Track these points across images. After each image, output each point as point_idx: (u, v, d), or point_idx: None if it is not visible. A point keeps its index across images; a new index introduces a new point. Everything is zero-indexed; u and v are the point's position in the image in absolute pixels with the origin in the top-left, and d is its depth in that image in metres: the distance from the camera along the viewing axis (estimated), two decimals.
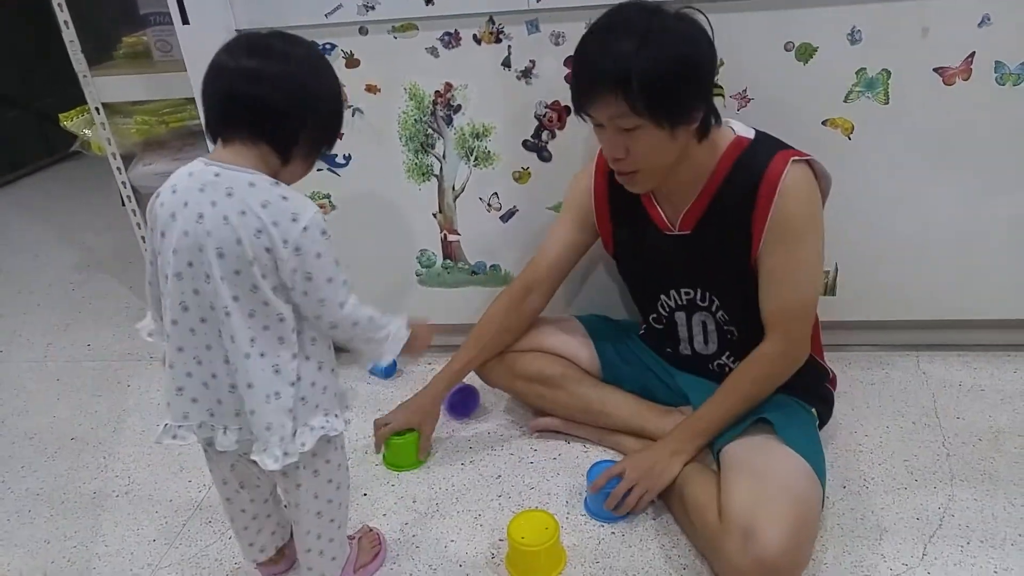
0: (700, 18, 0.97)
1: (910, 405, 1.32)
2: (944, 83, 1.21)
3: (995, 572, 0.99)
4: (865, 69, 1.21)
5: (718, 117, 1.03)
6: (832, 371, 1.20)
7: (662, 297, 1.15)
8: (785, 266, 1.02)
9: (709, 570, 1.03)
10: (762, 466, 1.00)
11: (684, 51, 0.93)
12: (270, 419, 0.83)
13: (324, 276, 0.81)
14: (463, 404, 1.39)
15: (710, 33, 0.97)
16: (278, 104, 0.80)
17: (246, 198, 0.78)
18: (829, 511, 1.10)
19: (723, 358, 1.15)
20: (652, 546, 1.08)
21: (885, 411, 1.31)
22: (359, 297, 0.88)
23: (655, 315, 1.19)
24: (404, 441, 1.25)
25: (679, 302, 1.14)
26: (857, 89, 1.23)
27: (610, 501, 1.09)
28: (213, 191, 0.79)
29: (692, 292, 1.12)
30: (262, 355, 0.82)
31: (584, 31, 1.20)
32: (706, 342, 1.15)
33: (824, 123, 1.26)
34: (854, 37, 1.19)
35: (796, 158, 1.00)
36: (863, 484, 1.15)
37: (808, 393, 1.13)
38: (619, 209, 1.15)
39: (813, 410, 1.13)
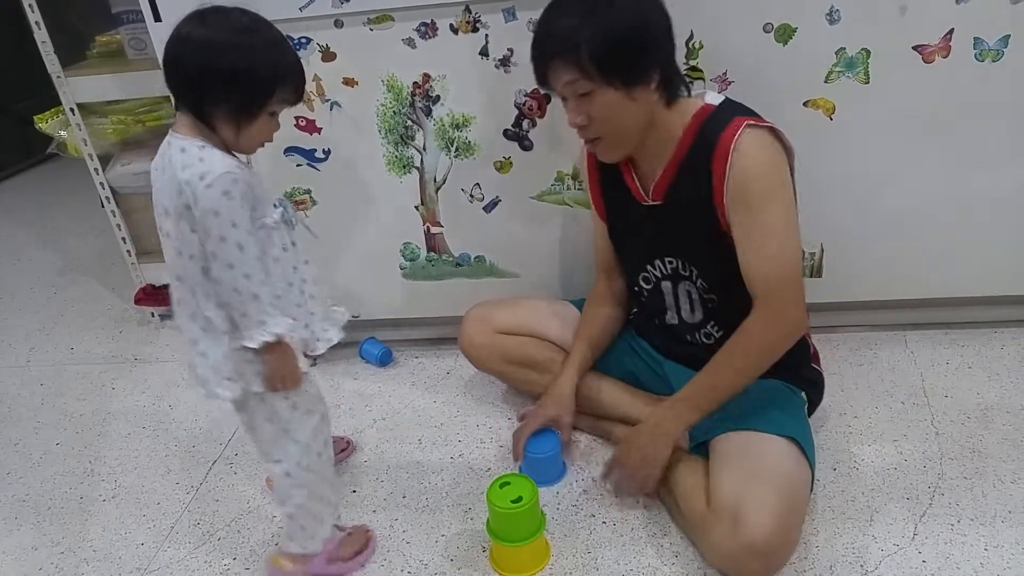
0: None
1: (898, 385, 1.32)
2: (924, 61, 1.20)
3: (985, 549, 1.00)
4: (845, 49, 1.21)
5: (687, 86, 1.03)
6: (813, 346, 1.18)
7: (648, 268, 1.15)
8: (753, 233, 1.00)
9: (699, 557, 1.02)
10: (749, 452, 0.99)
11: (630, 15, 0.95)
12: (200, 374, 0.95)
13: (218, 234, 0.86)
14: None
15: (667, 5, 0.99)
16: (177, 74, 0.87)
17: (175, 163, 0.87)
18: (820, 493, 1.10)
19: (708, 327, 1.14)
20: (642, 535, 1.08)
21: (874, 392, 1.31)
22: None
23: (639, 287, 1.19)
24: (515, 511, 1.01)
25: (664, 271, 1.14)
26: (837, 69, 1.22)
27: (615, 489, 1.12)
28: (162, 160, 0.89)
29: (674, 261, 1.12)
30: (201, 314, 0.92)
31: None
32: (692, 311, 1.15)
33: (806, 104, 1.25)
34: (833, 17, 1.19)
35: (752, 123, 0.98)
36: (853, 466, 1.15)
37: (794, 374, 1.12)
38: (606, 180, 1.15)
39: (802, 394, 1.13)
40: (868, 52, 1.20)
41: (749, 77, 1.24)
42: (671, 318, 1.17)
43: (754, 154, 0.97)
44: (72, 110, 1.58)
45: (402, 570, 1.07)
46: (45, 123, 1.65)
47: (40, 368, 1.70)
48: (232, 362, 0.94)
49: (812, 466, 1.02)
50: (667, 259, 1.12)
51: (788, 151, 1.02)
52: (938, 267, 1.36)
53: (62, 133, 1.63)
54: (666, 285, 1.14)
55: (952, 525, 1.03)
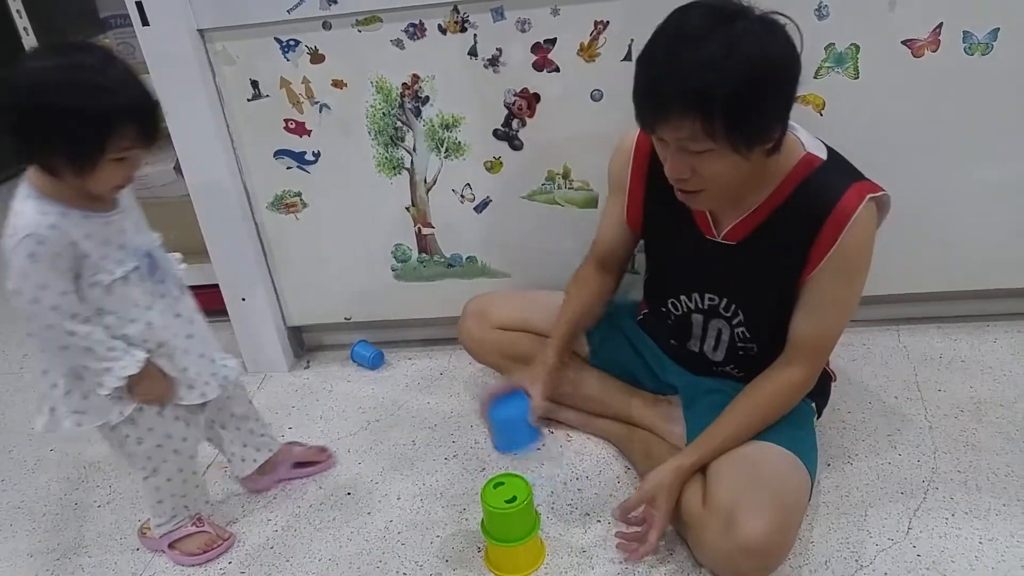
0: (786, 23, 0.85)
1: (892, 379, 1.32)
2: (913, 55, 1.20)
3: (980, 542, 1.00)
4: (834, 44, 1.20)
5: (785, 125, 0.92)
6: (834, 373, 1.18)
7: (682, 296, 1.09)
8: (833, 299, 0.98)
9: (694, 560, 1.02)
10: (748, 457, 0.99)
11: (770, 63, 0.81)
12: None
13: (30, 295, 0.88)
14: None
15: (798, 42, 0.85)
16: (3, 122, 0.82)
17: (8, 212, 0.87)
18: (814, 489, 1.09)
19: (728, 367, 1.12)
20: None
21: (867, 387, 1.31)
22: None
23: (666, 309, 1.14)
24: (509, 511, 1.00)
25: (700, 305, 1.08)
26: (827, 65, 1.22)
27: (629, 547, 1.02)
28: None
29: (716, 299, 1.06)
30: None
31: (551, 18, 1.21)
32: (716, 348, 1.11)
33: (796, 100, 1.25)
34: (822, 12, 1.18)
35: (872, 195, 0.93)
36: (847, 461, 1.15)
37: (811, 391, 1.09)
38: (657, 199, 1.05)
39: (812, 404, 1.12)
40: (857, 47, 1.20)
41: None
42: (693, 346, 1.14)
43: (867, 231, 0.94)
44: None
45: (397, 572, 1.07)
46: None
47: (33, 375, 1.69)
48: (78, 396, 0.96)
49: (812, 472, 1.02)
50: (708, 295, 1.07)
51: (885, 209, 0.99)
52: (930, 261, 1.36)
53: None
54: (697, 318, 1.10)
55: (946, 519, 1.04)
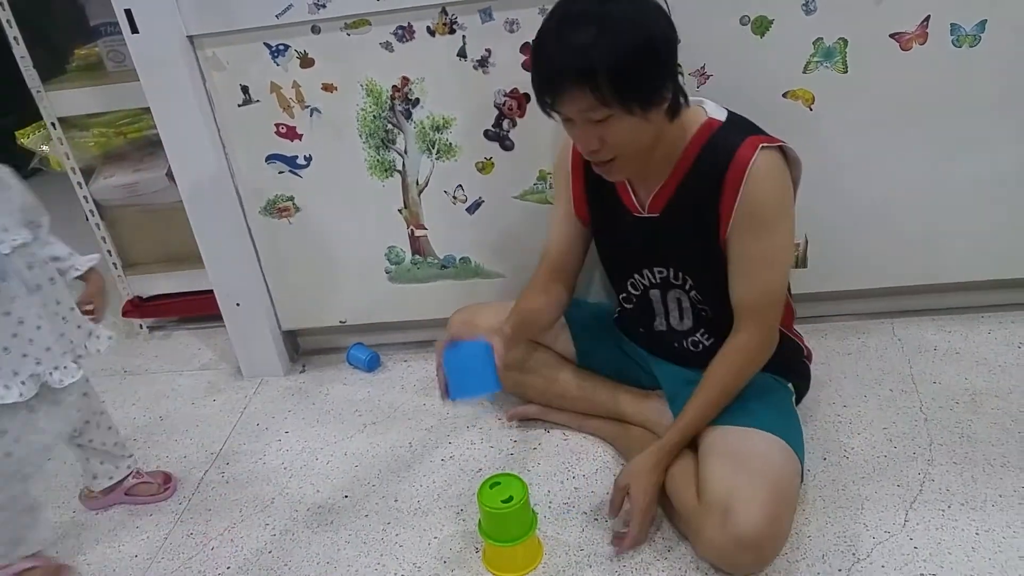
0: None
1: (887, 372, 1.32)
2: (901, 48, 1.20)
3: (976, 533, 1.00)
4: (822, 39, 1.21)
5: (686, 96, 0.99)
6: (808, 348, 1.19)
7: (635, 276, 1.14)
8: (754, 255, 1.00)
9: (692, 552, 1.02)
10: (737, 446, 1.00)
11: (643, 33, 0.90)
12: None
13: None
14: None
15: (666, 8, 0.95)
16: None
17: None
18: (810, 483, 1.10)
19: (697, 335, 1.14)
20: None
21: (863, 380, 1.31)
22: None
23: (626, 294, 1.18)
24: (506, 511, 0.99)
25: (653, 280, 1.13)
26: (815, 60, 1.22)
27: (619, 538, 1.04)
28: None
29: (665, 271, 1.11)
30: None
31: (539, 18, 1.22)
32: (681, 318, 1.14)
33: (785, 95, 1.25)
34: (809, 8, 1.19)
35: (766, 144, 0.97)
36: (843, 455, 1.15)
37: (784, 368, 1.12)
38: (594, 189, 1.12)
39: (790, 384, 1.13)
40: (845, 42, 1.20)
41: (727, 70, 1.24)
42: (659, 324, 1.16)
43: (768, 180, 0.97)
44: (53, 124, 1.57)
45: (395, 573, 1.07)
46: (27, 139, 1.64)
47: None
48: None
49: (801, 458, 1.03)
50: (656, 269, 1.11)
51: (796, 165, 1.02)
52: (922, 254, 1.36)
53: (44, 148, 1.63)
54: (655, 293, 1.14)
55: (943, 511, 1.04)
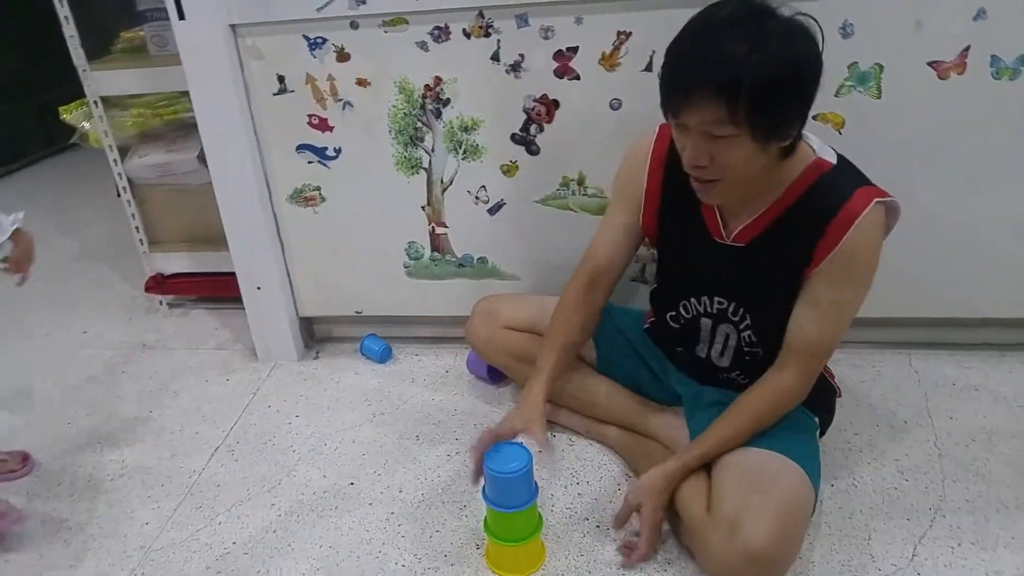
0: (812, 25, 0.87)
1: (902, 404, 1.30)
2: (938, 77, 1.19)
3: (986, 574, 0.98)
4: (857, 63, 1.20)
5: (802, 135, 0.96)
6: (839, 387, 1.17)
7: (691, 299, 1.09)
8: (831, 299, 0.97)
9: (695, 568, 1.02)
10: (754, 467, 0.99)
11: (797, 60, 0.84)
12: None
13: None
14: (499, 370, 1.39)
15: (820, 44, 0.88)
16: None
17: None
18: (817, 508, 1.08)
19: (734, 374, 1.12)
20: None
21: (876, 409, 1.29)
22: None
23: (675, 314, 1.13)
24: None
25: (709, 309, 1.08)
26: (848, 83, 1.22)
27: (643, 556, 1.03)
28: None
29: (725, 303, 1.06)
30: None
31: (575, 27, 1.23)
32: (722, 354, 1.11)
33: (814, 118, 1.25)
34: (846, 31, 1.18)
35: (880, 199, 0.94)
36: (852, 483, 1.14)
37: (814, 403, 1.09)
38: (671, 203, 1.06)
39: (816, 419, 1.11)
40: (881, 67, 1.20)
41: None
42: (701, 351, 1.13)
43: (872, 235, 0.94)
44: (96, 102, 1.62)
45: (396, 563, 1.08)
46: (69, 114, 1.69)
47: (54, 349, 1.74)
48: None
49: (816, 489, 1.01)
50: (717, 299, 1.07)
51: (894, 215, 0.98)
52: (946, 287, 1.34)
53: (85, 124, 1.67)
54: (706, 322, 1.10)
55: (952, 548, 1.02)
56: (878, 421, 1.26)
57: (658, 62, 1.25)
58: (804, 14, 0.88)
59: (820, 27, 0.88)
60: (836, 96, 1.23)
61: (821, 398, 1.11)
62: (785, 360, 1.01)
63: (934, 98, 1.20)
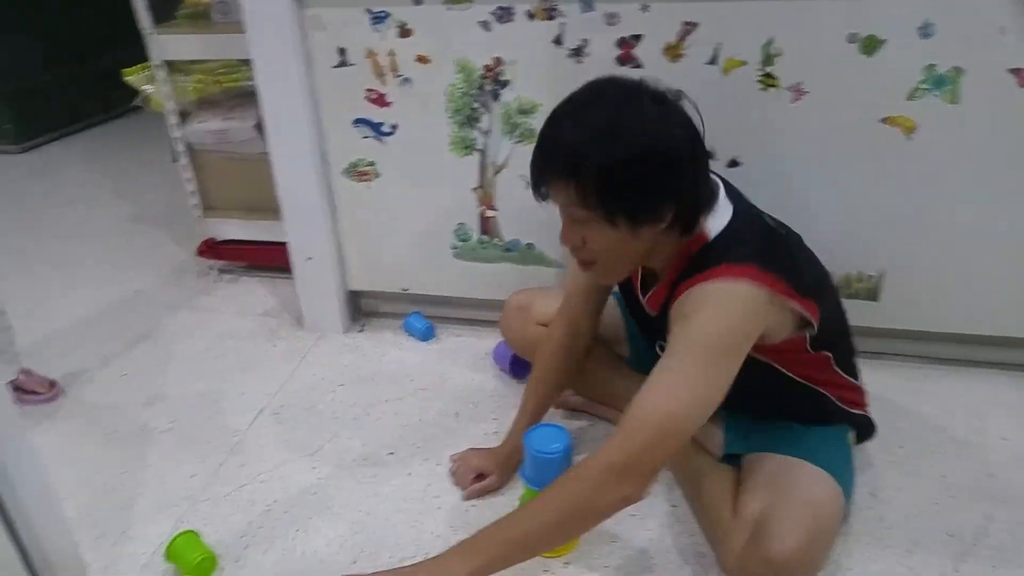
0: (680, 109, 0.86)
1: (952, 421, 1.27)
2: (1019, 85, 1.15)
3: None
4: (935, 66, 1.16)
5: (706, 210, 0.90)
6: (854, 398, 1.08)
7: (660, 343, 1.01)
8: (664, 364, 0.84)
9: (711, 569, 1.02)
10: (784, 473, 0.98)
11: (650, 145, 0.82)
12: None
13: None
14: (521, 364, 1.40)
15: (698, 120, 0.87)
16: None
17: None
18: (855, 517, 1.07)
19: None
20: (668, 534, 1.08)
21: (924, 424, 1.26)
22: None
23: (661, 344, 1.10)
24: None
25: None
26: (924, 87, 1.18)
27: None
28: None
29: None
30: None
31: (640, 15, 1.21)
32: None
33: (883, 120, 1.21)
34: (926, 31, 1.14)
35: (727, 279, 0.85)
36: (894, 494, 1.12)
37: (849, 420, 1.07)
38: None
39: (848, 426, 1.08)
40: (960, 71, 1.15)
41: (826, 88, 1.21)
42: None
43: (717, 297, 0.85)
44: (159, 66, 1.65)
45: (432, 533, 1.10)
46: (133, 77, 1.73)
47: (108, 306, 1.80)
48: None
49: (848, 496, 1.00)
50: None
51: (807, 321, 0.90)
52: (1007, 305, 1.30)
53: (147, 88, 1.71)
54: None
55: (994, 566, 1.00)
56: (926, 436, 1.24)
57: (723, 55, 1.24)
58: (675, 90, 0.88)
59: (695, 105, 0.88)
60: (909, 99, 1.19)
61: (853, 420, 1.08)
62: (621, 429, 0.84)
63: (1014, 107, 1.15)
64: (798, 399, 1.03)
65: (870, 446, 1.20)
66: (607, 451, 0.84)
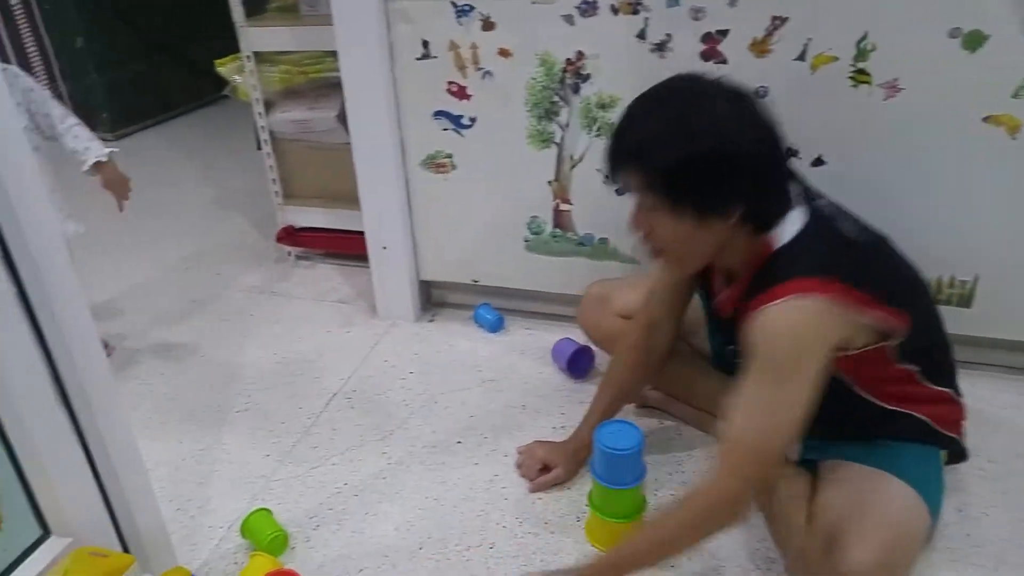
0: (757, 104, 0.86)
1: None
2: None
3: None
4: None
5: (784, 211, 0.89)
6: (947, 417, 1.03)
7: (728, 347, 1.03)
8: (751, 394, 0.86)
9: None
10: (865, 484, 0.94)
11: (718, 143, 0.83)
12: None
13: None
14: (579, 363, 1.41)
15: (777, 120, 0.87)
16: None
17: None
18: (940, 533, 1.03)
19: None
20: (738, 537, 1.07)
21: (1016, 438, 1.20)
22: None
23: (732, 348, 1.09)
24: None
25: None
26: None
27: None
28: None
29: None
30: None
31: (727, 9, 1.19)
32: None
33: (985, 119, 1.16)
34: None
35: (800, 296, 0.83)
36: (983, 511, 1.08)
37: (936, 438, 1.02)
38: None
39: (937, 446, 1.03)
40: None
41: (923, 85, 1.16)
42: None
43: (783, 324, 0.84)
44: (248, 57, 1.73)
45: (497, 523, 1.12)
46: (224, 67, 1.81)
47: (190, 287, 1.90)
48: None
49: (934, 518, 0.95)
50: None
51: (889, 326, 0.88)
52: None
53: (236, 78, 1.79)
54: None
55: None
56: (1019, 450, 1.18)
57: (812, 50, 1.21)
58: (756, 94, 0.88)
59: (780, 108, 0.88)
60: (1014, 97, 1.13)
61: (915, 434, 1.01)
62: (717, 465, 0.89)
63: None
64: (883, 424, 0.99)
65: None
66: (716, 479, 0.89)
